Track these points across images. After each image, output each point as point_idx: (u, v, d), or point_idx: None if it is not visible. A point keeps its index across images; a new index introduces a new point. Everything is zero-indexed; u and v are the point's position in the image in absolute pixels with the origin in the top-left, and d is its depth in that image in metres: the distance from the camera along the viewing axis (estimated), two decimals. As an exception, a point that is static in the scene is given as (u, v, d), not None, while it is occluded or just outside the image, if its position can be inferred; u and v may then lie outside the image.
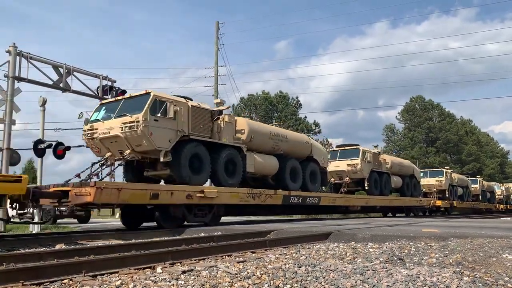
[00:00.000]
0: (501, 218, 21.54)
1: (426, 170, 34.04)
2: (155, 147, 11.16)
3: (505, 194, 48.59)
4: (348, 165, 21.51)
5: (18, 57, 12.19)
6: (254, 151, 14.94)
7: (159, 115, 11.19)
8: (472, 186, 39.15)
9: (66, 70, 13.31)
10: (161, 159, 11.43)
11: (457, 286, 3.84)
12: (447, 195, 31.57)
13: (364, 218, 21.09)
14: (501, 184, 50.53)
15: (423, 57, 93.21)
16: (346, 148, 22.74)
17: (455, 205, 32.45)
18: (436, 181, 31.48)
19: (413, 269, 4.62)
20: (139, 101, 11.47)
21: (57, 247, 7.74)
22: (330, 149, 24.38)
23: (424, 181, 31.22)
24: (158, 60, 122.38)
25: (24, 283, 4.09)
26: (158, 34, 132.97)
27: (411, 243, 7.31)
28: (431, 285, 3.89)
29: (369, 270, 4.55)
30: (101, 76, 14.05)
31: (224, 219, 15.98)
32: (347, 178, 21.64)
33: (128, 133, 11.02)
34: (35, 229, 15.13)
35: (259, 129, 15.49)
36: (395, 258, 5.80)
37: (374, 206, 23.91)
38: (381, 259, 5.69)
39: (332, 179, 21.94)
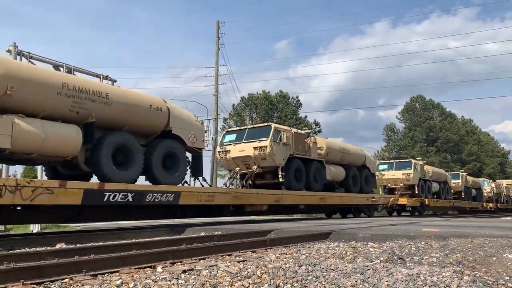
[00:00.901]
0: (502, 218, 21.53)
1: (392, 161, 29.04)
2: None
3: (495, 192, 43.66)
4: (255, 148, 15.48)
5: (18, 57, 12.20)
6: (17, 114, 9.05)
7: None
8: (453, 181, 34.08)
9: (67, 70, 13.29)
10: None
11: (458, 286, 3.84)
12: (416, 191, 26.21)
13: (365, 218, 21.01)
14: (491, 181, 45.74)
15: (423, 56, 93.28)
16: (255, 126, 17.29)
17: (427, 203, 27.10)
18: (403, 174, 25.98)
19: (413, 268, 4.62)
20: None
21: (58, 246, 7.74)
22: (237, 128, 19.00)
23: (389, 174, 26.39)
24: (159, 59, 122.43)
25: (24, 282, 4.10)
26: (159, 34, 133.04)
27: (411, 243, 7.31)
28: (432, 285, 3.89)
29: (369, 269, 4.55)
30: (101, 76, 14.04)
31: (224, 219, 15.98)
32: (255, 166, 15.73)
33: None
34: (35, 228, 15.14)
35: (32, 76, 9.53)
36: (396, 258, 5.80)
37: (295, 205, 17.33)
38: (382, 259, 5.69)
39: (237, 168, 16.16)
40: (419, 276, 4.17)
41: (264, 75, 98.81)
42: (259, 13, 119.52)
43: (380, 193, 26.14)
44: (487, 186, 42.70)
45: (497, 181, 50.34)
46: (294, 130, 17.37)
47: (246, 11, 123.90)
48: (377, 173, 24.05)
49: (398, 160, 29.00)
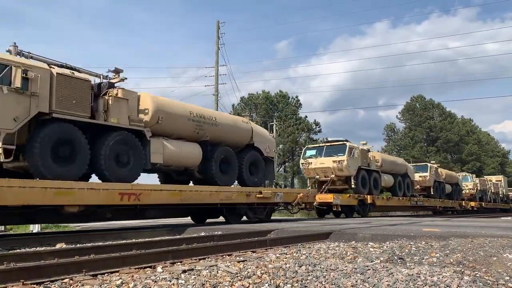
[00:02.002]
0: (502, 218, 21.53)
1: (322, 145, 22.33)
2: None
3: (479, 188, 38.21)
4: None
5: (18, 57, 12.19)
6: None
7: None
8: (419, 174, 28.02)
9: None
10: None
11: (458, 286, 3.83)
12: (353, 186, 20.40)
13: (365, 218, 20.98)
14: (474, 176, 40.36)
15: (423, 56, 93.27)
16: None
17: (372, 202, 21.08)
18: (334, 161, 20.15)
19: (413, 268, 4.62)
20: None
21: (58, 246, 7.74)
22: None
23: (317, 162, 20.71)
24: (159, 59, 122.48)
25: (24, 282, 4.09)
26: (159, 34, 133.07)
27: (411, 243, 7.31)
28: (432, 285, 3.89)
29: (369, 269, 4.55)
30: (101, 76, 14.05)
31: (223, 218, 15.98)
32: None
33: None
34: (35, 228, 15.14)
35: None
36: (396, 258, 5.80)
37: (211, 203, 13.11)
38: (382, 259, 5.69)
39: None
40: (419, 276, 4.16)
41: (264, 75, 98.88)
42: (259, 13, 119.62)
43: (309, 187, 21.31)
44: (469, 182, 37.61)
45: (485, 176, 46.38)
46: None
47: (246, 11, 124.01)
48: (302, 161, 21.54)
49: (330, 143, 21.54)
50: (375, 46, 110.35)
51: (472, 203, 35.81)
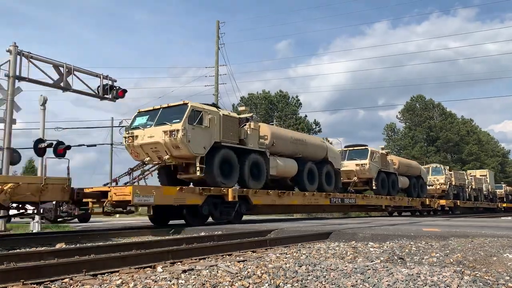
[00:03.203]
0: (502, 218, 21.53)
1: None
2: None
3: (454, 184, 32.01)
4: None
5: (18, 57, 12.18)
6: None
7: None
8: (357, 162, 21.65)
9: (67, 70, 13.30)
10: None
11: (458, 286, 3.83)
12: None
13: (365, 218, 21.04)
14: (447, 168, 33.35)
15: (423, 57, 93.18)
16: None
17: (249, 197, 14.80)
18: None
19: (413, 268, 4.61)
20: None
21: (58, 246, 7.74)
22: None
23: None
24: (159, 59, 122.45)
25: (24, 282, 4.10)
26: (159, 34, 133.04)
27: (411, 243, 7.30)
28: (432, 285, 3.89)
29: (369, 269, 4.55)
30: (101, 76, 14.04)
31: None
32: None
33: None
34: (35, 228, 15.14)
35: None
36: (396, 258, 5.80)
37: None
38: (382, 259, 5.69)
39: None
40: (420, 276, 4.16)
41: (264, 75, 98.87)
42: (259, 13, 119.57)
43: None
44: (441, 175, 31.22)
45: (468, 171, 41.46)
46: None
47: (246, 11, 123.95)
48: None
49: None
50: (375, 46, 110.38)
51: (442, 202, 29.13)
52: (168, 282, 4.08)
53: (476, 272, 4.59)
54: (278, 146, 16.03)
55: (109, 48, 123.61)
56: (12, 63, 12.27)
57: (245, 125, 14.53)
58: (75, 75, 13.71)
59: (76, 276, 4.44)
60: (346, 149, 23.20)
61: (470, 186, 35.82)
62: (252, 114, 16.95)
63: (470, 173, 38.86)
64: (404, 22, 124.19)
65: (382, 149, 23.82)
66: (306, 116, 50.33)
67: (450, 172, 32.89)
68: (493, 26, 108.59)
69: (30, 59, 12.42)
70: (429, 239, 7.66)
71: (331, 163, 19.06)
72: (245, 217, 17.20)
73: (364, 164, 21.41)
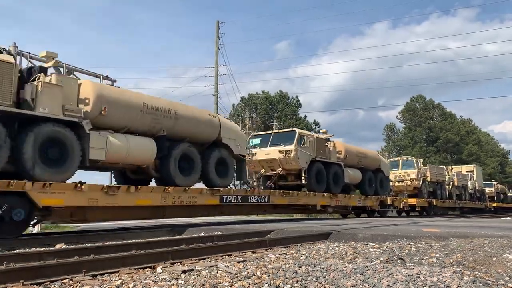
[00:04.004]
0: (502, 218, 21.52)
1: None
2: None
3: (429, 180, 27.48)
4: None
5: (18, 57, 12.19)
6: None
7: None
8: (281, 149, 16.95)
9: (67, 70, 13.29)
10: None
11: (458, 286, 3.83)
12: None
13: (365, 218, 20.98)
14: (421, 161, 28.67)
15: (423, 57, 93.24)
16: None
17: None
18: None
19: (413, 269, 4.62)
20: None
21: (57, 246, 7.74)
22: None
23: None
24: (159, 59, 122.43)
25: (24, 282, 4.10)
26: (159, 34, 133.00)
27: (411, 243, 7.30)
28: (432, 285, 3.89)
29: (369, 270, 4.55)
30: (101, 76, 14.04)
31: (223, 218, 15.97)
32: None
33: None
34: (35, 228, 15.12)
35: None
36: (396, 258, 5.80)
37: None
38: (382, 259, 5.69)
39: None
40: (419, 277, 4.16)
41: (264, 76, 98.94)
42: (259, 13, 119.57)
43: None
44: (412, 170, 26.70)
45: (453, 166, 37.37)
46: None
47: (246, 12, 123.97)
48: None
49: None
50: (375, 46, 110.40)
51: (412, 201, 24.84)
52: (168, 283, 4.08)
53: (476, 273, 4.59)
54: (113, 117, 10.43)
55: (109, 48, 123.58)
56: (12, 63, 12.25)
57: (36, 78, 9.25)
58: (75, 75, 13.71)
59: (76, 277, 4.44)
60: (270, 132, 19.23)
61: (451, 183, 31.04)
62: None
63: (452, 168, 33.93)
64: (404, 22, 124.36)
65: (324, 133, 19.49)
66: (305, 116, 50.36)
67: (425, 167, 28.16)
68: (493, 26, 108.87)
69: (30, 59, 12.43)
70: (428, 239, 7.66)
71: (227, 146, 13.88)
72: (245, 217, 17.22)
73: (289, 150, 16.41)
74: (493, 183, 43.11)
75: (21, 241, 8.50)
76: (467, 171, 36.51)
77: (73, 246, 7.64)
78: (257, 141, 17.89)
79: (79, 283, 4.21)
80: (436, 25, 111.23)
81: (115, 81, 14.93)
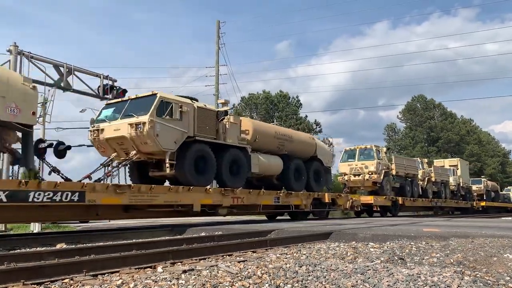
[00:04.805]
0: (502, 218, 21.51)
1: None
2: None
3: (395, 174, 23.48)
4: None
5: (19, 57, 12.21)
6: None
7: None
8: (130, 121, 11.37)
9: (67, 70, 13.34)
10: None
11: (458, 286, 3.83)
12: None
13: (365, 218, 20.95)
14: (384, 150, 23.77)
15: (423, 57, 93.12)
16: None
17: None
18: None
19: (414, 268, 4.61)
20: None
21: (58, 246, 7.75)
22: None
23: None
24: (159, 59, 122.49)
25: (25, 282, 4.10)
26: (160, 34, 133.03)
27: (412, 243, 7.30)
28: (432, 285, 3.89)
29: (370, 269, 4.55)
30: (101, 76, 14.06)
31: (223, 218, 15.97)
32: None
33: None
34: (35, 228, 15.14)
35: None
36: (396, 258, 5.79)
37: None
38: (382, 259, 5.69)
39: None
40: (420, 276, 4.16)
41: (264, 75, 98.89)
42: (259, 14, 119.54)
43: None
44: (370, 161, 22.02)
45: (435, 161, 34.26)
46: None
47: (247, 12, 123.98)
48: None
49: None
50: (375, 46, 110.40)
51: (365, 198, 21.02)
52: (168, 282, 4.08)
53: (477, 273, 4.59)
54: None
55: (109, 48, 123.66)
56: (13, 63, 12.29)
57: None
58: (75, 75, 13.74)
59: (76, 276, 4.44)
60: (125, 99, 12.71)
61: (427, 179, 26.77)
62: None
63: (428, 161, 29.76)
64: (404, 22, 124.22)
65: (223, 104, 14.73)
66: (306, 116, 50.36)
67: (391, 157, 24.41)
68: (493, 26, 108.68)
69: (31, 59, 12.44)
70: (429, 239, 7.65)
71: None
72: (244, 218, 17.22)
73: (142, 123, 10.95)
74: (482, 179, 39.39)
75: (21, 241, 8.51)
76: (450, 166, 32.66)
77: (73, 246, 7.65)
78: (109, 112, 12.16)
79: (80, 282, 4.21)
80: (436, 25, 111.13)
81: (115, 80, 14.95)
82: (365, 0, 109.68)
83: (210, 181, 13.15)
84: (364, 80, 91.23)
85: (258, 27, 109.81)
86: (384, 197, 21.82)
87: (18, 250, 7.15)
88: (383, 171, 22.30)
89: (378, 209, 22.17)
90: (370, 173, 22.04)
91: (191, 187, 11.91)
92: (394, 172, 23.60)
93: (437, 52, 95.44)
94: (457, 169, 32.58)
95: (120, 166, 11.80)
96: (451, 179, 30.79)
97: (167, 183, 13.13)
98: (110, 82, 14.54)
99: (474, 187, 36.12)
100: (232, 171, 13.55)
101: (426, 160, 29.57)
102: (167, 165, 11.57)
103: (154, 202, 11.11)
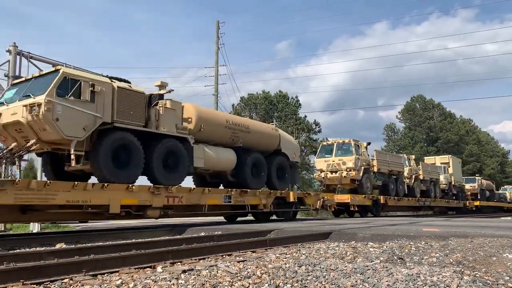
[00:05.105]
0: (502, 218, 21.52)
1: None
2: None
3: (376, 171, 21.80)
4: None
5: (18, 57, 12.21)
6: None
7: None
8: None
9: (67, 70, 13.33)
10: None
11: (458, 286, 3.83)
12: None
13: (365, 218, 20.90)
14: (364, 145, 21.64)
15: (422, 57, 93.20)
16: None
17: None
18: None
19: (413, 268, 4.62)
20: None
21: (57, 246, 7.74)
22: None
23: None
24: (159, 59, 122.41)
25: (24, 282, 4.10)
26: (159, 34, 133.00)
27: (411, 243, 7.31)
28: (432, 285, 3.89)
29: (369, 269, 4.55)
30: (101, 76, 14.05)
31: (222, 218, 15.98)
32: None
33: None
34: (35, 228, 15.13)
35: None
36: (396, 258, 5.80)
37: None
38: (382, 259, 5.69)
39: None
40: (419, 276, 4.16)
41: (264, 76, 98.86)
42: (259, 14, 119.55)
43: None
44: (348, 156, 20.21)
45: (425, 158, 32.67)
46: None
47: (246, 12, 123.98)
48: None
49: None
50: (375, 46, 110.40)
51: (341, 197, 19.54)
52: (168, 282, 4.08)
53: (476, 272, 4.59)
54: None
55: (108, 48, 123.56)
56: (12, 63, 12.29)
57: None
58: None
59: (76, 276, 4.44)
60: (29, 77, 10.53)
61: (414, 176, 25.05)
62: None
63: (413, 157, 26.99)
64: (404, 23, 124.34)
65: (160, 87, 12.04)
66: (305, 116, 50.35)
67: (373, 152, 22.28)
68: (493, 27, 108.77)
69: (30, 59, 12.44)
70: (428, 239, 7.66)
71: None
72: (244, 218, 17.21)
73: (37, 105, 9.00)
74: (477, 178, 37.69)
75: (21, 241, 8.50)
76: (441, 163, 30.85)
77: (73, 245, 7.64)
78: (11, 93, 10.33)
79: (79, 282, 4.21)
80: (436, 25, 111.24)
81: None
82: (365, 0, 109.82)
83: (135, 177, 10.75)
84: (363, 80, 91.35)
85: (258, 27, 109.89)
86: (363, 196, 20.28)
87: (18, 250, 7.15)
88: (363, 167, 20.53)
89: (356, 209, 20.42)
90: (348, 169, 20.04)
91: (106, 184, 9.80)
92: (375, 169, 21.87)
93: (437, 52, 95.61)
94: (449, 167, 31.06)
95: (10, 157, 9.92)
96: (441, 177, 29.38)
97: (94, 180, 10.46)
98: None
99: (467, 186, 34.98)
100: (167, 165, 11.43)
101: (413, 156, 27.29)
102: (73, 157, 9.45)
103: (51, 202, 8.96)
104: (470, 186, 35.48)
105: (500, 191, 46.10)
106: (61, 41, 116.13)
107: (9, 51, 12.12)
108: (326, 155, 21.28)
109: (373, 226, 10.94)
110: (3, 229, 14.60)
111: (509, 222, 14.59)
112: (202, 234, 9.42)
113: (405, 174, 24.75)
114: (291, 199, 15.71)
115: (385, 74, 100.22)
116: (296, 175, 16.74)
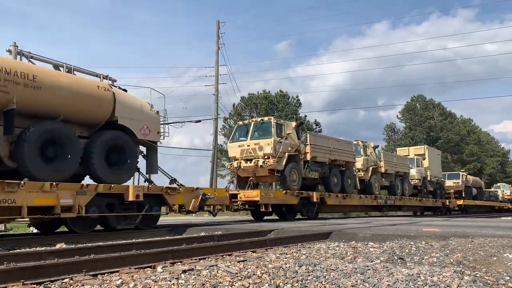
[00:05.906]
0: (502, 218, 21.51)
1: None
2: None
3: (312, 159, 16.69)
4: None
5: (18, 56, 12.20)
6: None
7: None
8: None
9: (67, 70, 13.31)
10: None
11: (458, 286, 3.83)
12: None
13: (365, 218, 20.92)
14: (292, 126, 16.00)
15: (422, 57, 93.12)
16: None
17: None
18: None
19: (413, 268, 4.61)
20: None
21: (58, 246, 7.74)
22: None
23: None
24: (159, 59, 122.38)
25: (24, 282, 4.10)
26: (159, 34, 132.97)
27: (411, 243, 7.30)
28: (432, 285, 3.88)
29: (369, 269, 4.55)
30: (101, 76, 14.05)
31: (224, 218, 15.98)
32: None
33: None
34: (35, 228, 15.12)
35: None
36: (396, 258, 5.80)
37: None
38: (382, 259, 5.69)
39: None
40: (420, 276, 4.16)
41: (264, 75, 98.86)
42: (259, 14, 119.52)
43: None
44: (265, 139, 15.27)
45: (398, 148, 29.12)
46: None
47: (247, 11, 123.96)
48: None
49: None
50: (375, 46, 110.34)
51: (252, 193, 14.49)
52: (168, 282, 4.08)
53: (476, 272, 4.59)
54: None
55: (109, 48, 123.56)
56: (12, 63, 12.25)
57: None
58: (75, 75, 13.71)
59: (76, 276, 4.44)
60: None
61: (371, 169, 20.48)
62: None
63: (372, 145, 21.66)
64: (404, 23, 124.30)
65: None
66: (306, 116, 50.35)
67: (298, 133, 16.60)
68: (493, 27, 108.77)
69: (30, 59, 12.43)
70: (429, 239, 7.66)
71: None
72: (244, 217, 17.21)
73: None
74: (461, 173, 33.54)
75: (21, 241, 8.51)
76: (415, 155, 26.21)
77: (73, 245, 7.64)
78: None
79: (80, 282, 4.21)
80: (436, 25, 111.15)
81: (115, 80, 14.94)
82: (365, 0, 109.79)
83: None
84: (363, 80, 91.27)
85: (258, 26, 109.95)
86: (284, 191, 15.13)
87: (18, 250, 7.15)
88: (287, 154, 15.23)
89: (269, 209, 14.70)
90: (265, 156, 14.87)
91: None
92: (308, 157, 16.48)
93: (437, 52, 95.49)
94: (424, 159, 26.38)
95: None
96: (413, 171, 24.66)
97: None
98: (110, 82, 14.52)
99: (450, 183, 30.91)
100: None
101: (371, 144, 21.81)
102: None
103: None
104: (453, 182, 31.57)
105: (491, 189, 42.73)
106: (61, 41, 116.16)
107: (9, 51, 12.11)
108: (240, 139, 15.91)
109: (373, 226, 10.94)
110: (3, 229, 14.60)
111: (509, 222, 14.58)
112: (202, 234, 9.42)
113: (359, 165, 20.05)
114: (130, 198, 10.24)
115: (385, 74, 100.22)
116: (153, 162, 11.72)
